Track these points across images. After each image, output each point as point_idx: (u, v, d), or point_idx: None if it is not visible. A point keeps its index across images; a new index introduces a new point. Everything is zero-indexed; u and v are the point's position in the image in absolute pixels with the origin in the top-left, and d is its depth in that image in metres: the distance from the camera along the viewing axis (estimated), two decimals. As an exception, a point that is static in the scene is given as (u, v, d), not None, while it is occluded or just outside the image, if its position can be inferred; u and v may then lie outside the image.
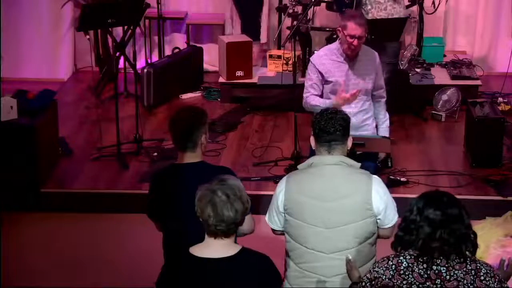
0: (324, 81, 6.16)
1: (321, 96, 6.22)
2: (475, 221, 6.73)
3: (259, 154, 7.94)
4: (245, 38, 9.16)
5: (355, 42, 5.90)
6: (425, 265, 3.71)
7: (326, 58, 6.11)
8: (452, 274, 3.70)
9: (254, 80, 9.16)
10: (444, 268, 3.71)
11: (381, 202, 4.40)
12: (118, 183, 7.45)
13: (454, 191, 7.21)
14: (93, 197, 7.31)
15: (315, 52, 6.35)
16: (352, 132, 5.94)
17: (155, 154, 7.88)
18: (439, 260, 3.71)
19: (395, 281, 3.72)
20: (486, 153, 7.60)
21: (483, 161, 7.58)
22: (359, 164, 4.51)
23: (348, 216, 4.36)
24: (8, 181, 7.14)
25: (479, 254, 6.21)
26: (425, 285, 3.69)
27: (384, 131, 6.36)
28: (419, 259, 3.72)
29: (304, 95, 6.28)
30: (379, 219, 4.41)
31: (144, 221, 7.00)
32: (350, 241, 4.37)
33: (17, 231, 6.87)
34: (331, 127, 4.43)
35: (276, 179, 7.39)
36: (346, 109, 5.93)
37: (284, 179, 4.56)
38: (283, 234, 4.63)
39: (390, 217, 4.47)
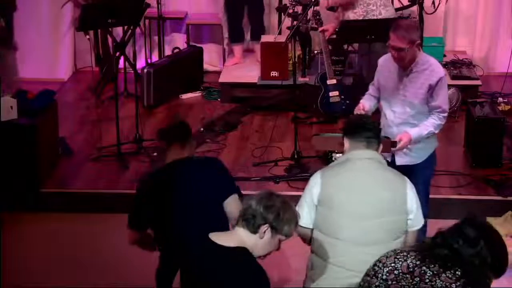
0: (378, 82, 5.92)
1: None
2: (475, 221, 6.72)
3: (259, 154, 7.94)
4: (281, 38, 8.66)
5: (395, 54, 5.64)
6: (418, 262, 3.69)
7: (388, 61, 5.85)
8: (433, 280, 3.63)
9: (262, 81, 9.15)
10: (431, 273, 3.65)
11: (414, 200, 4.53)
12: (118, 183, 7.45)
13: (454, 191, 7.22)
14: (93, 197, 7.31)
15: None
16: None
17: (155, 154, 7.87)
18: (433, 265, 3.67)
19: (389, 261, 3.72)
20: (486, 153, 7.61)
21: (483, 161, 7.58)
22: (385, 161, 4.68)
23: (385, 210, 4.43)
24: (8, 181, 7.14)
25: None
26: (403, 276, 3.67)
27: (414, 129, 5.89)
28: (419, 255, 3.71)
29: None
30: (410, 219, 4.46)
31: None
32: (384, 235, 4.40)
33: (17, 231, 6.87)
34: (369, 125, 4.62)
35: (277, 179, 7.41)
36: (389, 117, 5.85)
37: (319, 173, 4.59)
38: (304, 238, 4.63)
39: (419, 219, 4.60)
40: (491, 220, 6.63)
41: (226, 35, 9.91)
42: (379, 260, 3.76)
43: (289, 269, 6.23)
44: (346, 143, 4.63)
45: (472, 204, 7.08)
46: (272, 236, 3.87)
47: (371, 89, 6.03)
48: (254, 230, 3.86)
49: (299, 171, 7.52)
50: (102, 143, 8.00)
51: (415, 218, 4.54)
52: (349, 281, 4.38)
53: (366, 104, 5.88)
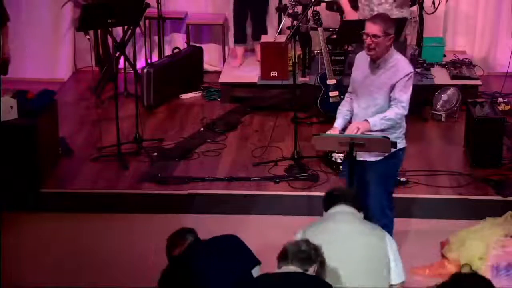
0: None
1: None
2: (475, 221, 6.73)
3: (259, 154, 7.93)
4: (281, 38, 8.70)
5: (368, 40, 5.80)
6: None
7: (363, 55, 6.02)
8: None
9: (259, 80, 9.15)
10: None
11: (392, 253, 4.52)
12: (118, 183, 7.45)
13: (454, 191, 7.22)
14: (93, 197, 7.30)
15: None
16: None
17: (155, 154, 7.88)
18: None
19: None
20: (486, 153, 7.61)
21: (483, 161, 7.58)
22: (361, 214, 4.74)
23: (368, 255, 4.43)
24: (8, 181, 7.14)
25: (479, 254, 6.26)
26: None
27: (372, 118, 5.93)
28: None
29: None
30: (390, 271, 4.43)
31: (144, 221, 7.04)
32: (370, 281, 4.40)
33: (17, 231, 6.87)
34: (345, 195, 4.80)
35: (277, 179, 7.40)
36: (355, 110, 5.99)
37: (301, 231, 4.67)
38: None
39: (400, 272, 4.56)
40: (491, 220, 6.66)
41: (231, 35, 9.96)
42: None
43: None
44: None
45: (472, 204, 7.08)
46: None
47: (350, 86, 6.13)
48: (305, 268, 4.22)
49: (299, 171, 7.52)
50: (102, 143, 8.00)
51: (396, 269, 4.52)
52: None
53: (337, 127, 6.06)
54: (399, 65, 5.87)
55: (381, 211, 6.00)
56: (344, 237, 4.45)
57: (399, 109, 5.84)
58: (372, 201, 5.98)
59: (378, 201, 6.01)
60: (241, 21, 9.64)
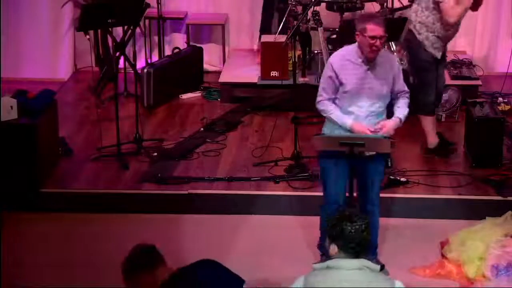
0: (339, 82, 5.94)
1: (335, 98, 6.01)
2: (475, 221, 6.73)
3: (259, 154, 7.93)
4: (281, 38, 8.59)
5: (377, 42, 5.79)
6: None
7: (344, 59, 5.96)
8: None
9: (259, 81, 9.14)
10: None
11: None
12: (118, 183, 7.45)
13: (454, 191, 7.23)
14: (93, 197, 7.30)
15: (335, 52, 6.17)
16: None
17: (155, 154, 7.88)
18: None
19: None
20: (486, 153, 7.61)
21: (483, 161, 7.58)
22: (378, 267, 4.16)
23: None
24: (8, 181, 7.14)
25: (479, 254, 6.26)
26: None
27: (398, 112, 6.04)
28: None
29: (318, 97, 6.06)
30: None
31: (144, 221, 7.04)
32: None
33: (17, 231, 6.87)
34: (360, 245, 4.15)
35: (277, 179, 7.40)
36: (356, 112, 5.96)
37: (302, 279, 4.19)
38: None
39: None
40: (491, 220, 6.66)
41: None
42: None
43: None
44: (333, 250, 4.18)
45: (472, 204, 7.08)
46: None
47: (328, 93, 6.00)
48: None
49: (299, 171, 7.52)
50: (102, 143, 8.00)
51: None
52: None
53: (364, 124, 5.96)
54: (389, 56, 6.08)
55: (375, 205, 6.12)
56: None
57: (408, 99, 6.11)
58: (373, 198, 6.07)
59: (376, 198, 6.13)
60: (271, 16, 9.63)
